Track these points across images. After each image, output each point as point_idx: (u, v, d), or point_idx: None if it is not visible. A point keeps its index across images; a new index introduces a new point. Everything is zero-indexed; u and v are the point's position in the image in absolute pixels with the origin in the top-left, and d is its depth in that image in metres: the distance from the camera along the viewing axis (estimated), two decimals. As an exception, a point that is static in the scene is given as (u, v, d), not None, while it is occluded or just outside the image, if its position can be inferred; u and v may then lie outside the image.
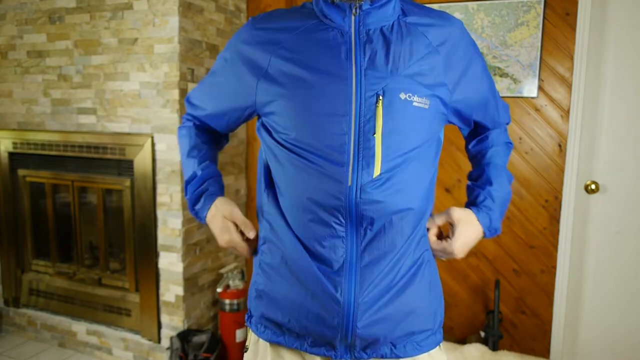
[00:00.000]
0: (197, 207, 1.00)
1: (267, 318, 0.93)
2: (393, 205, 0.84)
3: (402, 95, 0.82)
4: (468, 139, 1.10)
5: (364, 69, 0.82)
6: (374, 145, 0.81)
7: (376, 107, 0.81)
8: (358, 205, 0.82)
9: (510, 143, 1.10)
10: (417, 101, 0.83)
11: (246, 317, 1.00)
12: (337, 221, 0.84)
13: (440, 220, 0.96)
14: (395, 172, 0.83)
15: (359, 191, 0.82)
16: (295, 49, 0.85)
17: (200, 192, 1.00)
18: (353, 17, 0.83)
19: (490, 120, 1.04)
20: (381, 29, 0.84)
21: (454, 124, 0.98)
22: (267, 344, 0.95)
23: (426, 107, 0.84)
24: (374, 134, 0.81)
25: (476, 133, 1.07)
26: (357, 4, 0.82)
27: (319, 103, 0.82)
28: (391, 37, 0.84)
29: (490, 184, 1.01)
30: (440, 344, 0.95)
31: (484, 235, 0.98)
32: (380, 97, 0.81)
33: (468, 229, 0.95)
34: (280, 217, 0.90)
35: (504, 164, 1.06)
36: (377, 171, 0.81)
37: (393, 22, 0.85)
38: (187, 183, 1.03)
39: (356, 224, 0.84)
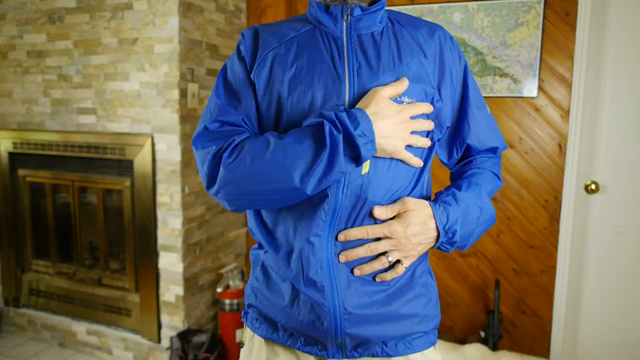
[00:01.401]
0: (354, 127, 0.77)
1: (261, 315, 0.95)
2: (372, 202, 0.84)
3: None
4: (453, 166, 1.03)
5: (356, 69, 0.85)
6: None
7: None
8: (343, 201, 0.83)
9: (500, 180, 1.00)
10: (408, 102, 0.85)
11: (243, 313, 1.01)
12: (321, 219, 0.84)
13: (392, 211, 0.84)
14: (381, 170, 0.84)
15: (345, 187, 0.82)
16: (291, 53, 0.88)
17: (339, 114, 0.79)
18: (345, 23, 0.88)
19: (477, 137, 0.97)
20: (371, 34, 0.88)
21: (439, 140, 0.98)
22: (262, 340, 0.96)
23: None
24: None
25: (462, 157, 1.01)
26: (349, 10, 0.87)
27: (314, 101, 0.84)
28: (380, 41, 0.88)
29: (459, 188, 0.92)
30: (435, 345, 0.95)
31: (438, 238, 0.86)
32: None
33: (418, 216, 0.83)
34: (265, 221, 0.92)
35: (486, 190, 0.94)
36: (365, 169, 0.83)
37: (382, 29, 0.89)
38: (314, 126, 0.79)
39: (337, 222, 0.84)
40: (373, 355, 0.88)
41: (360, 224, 0.84)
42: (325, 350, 0.88)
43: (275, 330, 0.93)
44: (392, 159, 0.84)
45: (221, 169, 0.82)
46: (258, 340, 0.96)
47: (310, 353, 0.90)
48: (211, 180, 0.84)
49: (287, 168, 0.77)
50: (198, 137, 0.88)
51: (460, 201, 0.88)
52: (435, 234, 0.85)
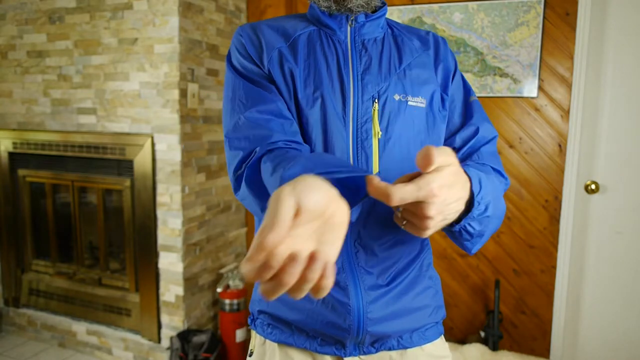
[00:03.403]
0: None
1: (274, 319, 0.93)
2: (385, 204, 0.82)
3: (397, 97, 0.86)
4: None
5: (360, 74, 0.86)
6: (371, 146, 0.84)
7: (372, 109, 0.85)
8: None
9: (506, 178, 0.89)
10: (412, 100, 0.86)
11: (249, 320, 0.99)
12: None
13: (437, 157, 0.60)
14: (392, 171, 0.84)
15: None
16: (298, 53, 0.88)
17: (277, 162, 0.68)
18: (349, 28, 0.89)
19: (472, 131, 0.91)
20: (374, 39, 0.90)
21: None
22: (275, 345, 0.94)
23: (423, 105, 0.88)
24: (371, 135, 0.84)
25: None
26: (354, 16, 0.88)
27: (318, 106, 0.85)
28: (383, 46, 0.90)
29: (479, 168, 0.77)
30: (442, 335, 0.98)
31: (472, 205, 0.68)
32: (376, 100, 0.85)
33: (454, 176, 0.61)
34: None
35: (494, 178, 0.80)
36: (375, 170, 0.83)
37: (384, 34, 0.92)
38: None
39: (351, 224, 0.83)
40: (389, 349, 0.90)
41: (378, 218, 0.84)
42: (344, 349, 0.89)
43: (290, 334, 0.92)
44: (402, 163, 0.83)
45: (243, 182, 0.77)
46: (270, 346, 0.95)
47: (327, 353, 0.90)
48: (235, 188, 0.81)
49: None
50: (230, 132, 0.83)
51: (488, 173, 0.74)
52: (467, 194, 0.65)
